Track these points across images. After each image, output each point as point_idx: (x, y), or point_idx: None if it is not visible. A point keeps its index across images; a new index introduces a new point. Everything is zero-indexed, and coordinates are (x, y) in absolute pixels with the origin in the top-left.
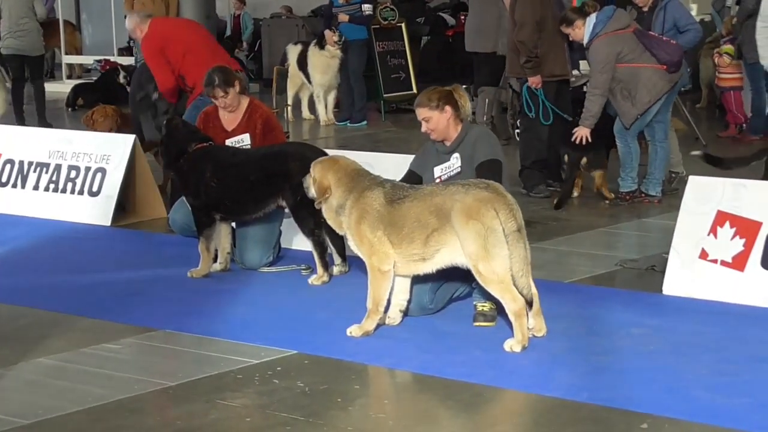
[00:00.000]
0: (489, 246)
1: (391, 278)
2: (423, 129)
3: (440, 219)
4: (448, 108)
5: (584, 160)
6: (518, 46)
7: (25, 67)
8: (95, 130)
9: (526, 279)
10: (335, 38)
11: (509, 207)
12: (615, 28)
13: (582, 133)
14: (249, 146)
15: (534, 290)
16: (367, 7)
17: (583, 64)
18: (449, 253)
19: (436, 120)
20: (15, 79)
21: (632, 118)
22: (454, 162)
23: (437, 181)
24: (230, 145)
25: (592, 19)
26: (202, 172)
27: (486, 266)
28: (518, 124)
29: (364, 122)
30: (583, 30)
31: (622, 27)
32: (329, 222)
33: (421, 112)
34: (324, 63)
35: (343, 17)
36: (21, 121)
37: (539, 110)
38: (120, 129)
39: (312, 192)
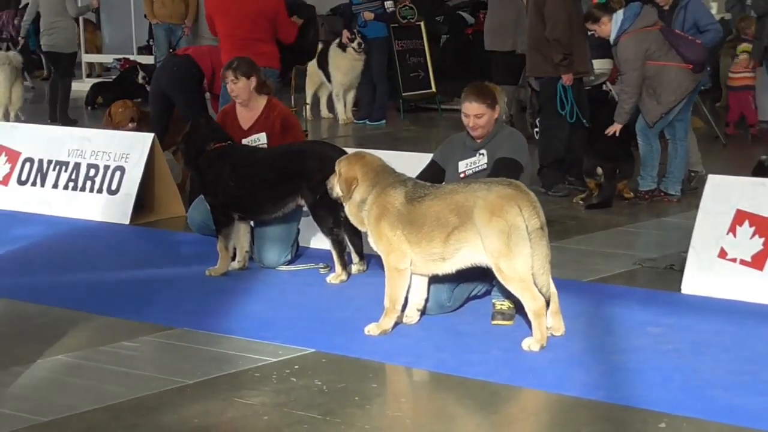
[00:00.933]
0: (512, 243)
1: (408, 276)
2: (471, 123)
3: (461, 217)
4: (497, 107)
5: (617, 170)
6: (553, 44)
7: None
8: (114, 123)
9: (546, 277)
10: (355, 45)
11: (532, 204)
12: (643, 25)
13: (615, 129)
14: (265, 145)
15: (553, 289)
16: (389, 4)
17: (597, 63)
18: (469, 252)
19: (488, 117)
20: (51, 75)
21: (656, 117)
22: (480, 158)
23: (461, 175)
24: (247, 144)
25: (619, 15)
26: (221, 171)
27: (508, 264)
28: (537, 123)
29: (383, 121)
30: (609, 26)
31: (649, 24)
32: (351, 219)
33: (476, 108)
34: (347, 64)
35: (368, 15)
36: (54, 117)
37: (571, 109)
38: (138, 125)
39: (336, 191)
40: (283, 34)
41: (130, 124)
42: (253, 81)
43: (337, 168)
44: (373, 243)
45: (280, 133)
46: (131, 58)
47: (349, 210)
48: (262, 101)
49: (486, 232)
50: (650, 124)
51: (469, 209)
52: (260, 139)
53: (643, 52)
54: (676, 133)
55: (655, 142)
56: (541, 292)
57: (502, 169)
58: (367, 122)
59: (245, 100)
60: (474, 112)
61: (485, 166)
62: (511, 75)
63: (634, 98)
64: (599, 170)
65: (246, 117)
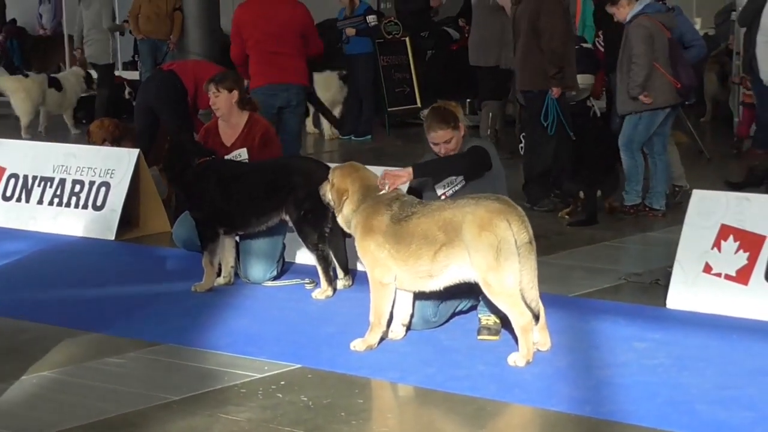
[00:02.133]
0: (501, 258)
1: (393, 291)
2: (442, 151)
3: (448, 234)
4: (461, 125)
5: (599, 192)
6: (549, 56)
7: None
8: (91, 141)
9: (535, 292)
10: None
11: (521, 219)
12: (660, 20)
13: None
14: (247, 160)
15: (540, 304)
16: (371, 18)
17: (580, 78)
18: (458, 269)
19: (456, 138)
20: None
21: (625, 111)
22: (457, 178)
23: (442, 198)
24: (228, 159)
25: (644, 1)
26: (206, 186)
27: (496, 278)
28: (522, 138)
29: (369, 136)
30: (627, 10)
31: (666, 25)
32: (343, 227)
33: (443, 135)
34: (324, 80)
35: (350, 31)
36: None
37: (552, 121)
38: (119, 141)
39: (328, 198)
40: (311, 48)
41: (104, 143)
42: (235, 95)
43: (330, 177)
44: (359, 256)
45: (258, 148)
46: (116, 73)
47: (340, 220)
48: (243, 117)
49: (475, 246)
50: (618, 111)
51: (457, 225)
52: (242, 154)
53: (652, 35)
54: (654, 147)
55: (639, 156)
56: (529, 307)
57: (470, 151)
58: (353, 137)
59: (225, 114)
60: (442, 140)
61: (464, 182)
62: (496, 90)
63: (645, 70)
64: (581, 194)
65: (228, 133)
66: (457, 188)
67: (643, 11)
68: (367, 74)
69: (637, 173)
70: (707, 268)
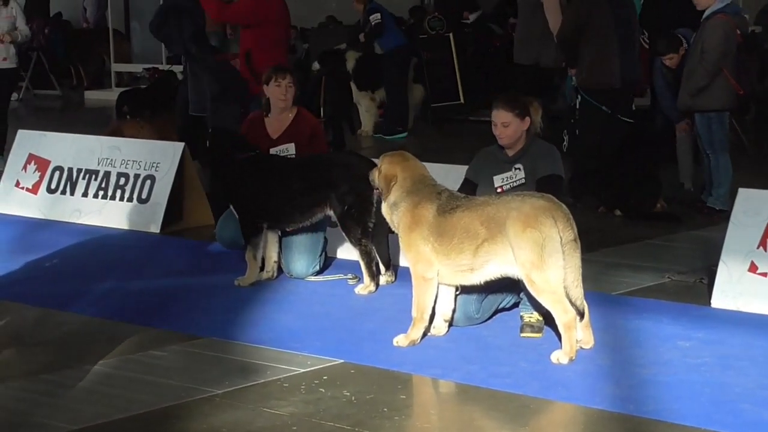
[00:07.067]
0: (545, 255)
1: (435, 286)
2: (496, 131)
3: (491, 229)
4: (528, 119)
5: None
6: (558, 45)
7: None
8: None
9: (580, 290)
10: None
11: (566, 216)
12: (737, 22)
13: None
14: (294, 155)
15: (584, 302)
16: (372, 17)
17: None
18: (499, 264)
19: (514, 127)
20: None
21: (683, 106)
22: (517, 173)
23: (498, 190)
24: (275, 153)
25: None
26: (248, 180)
27: (540, 276)
28: (563, 136)
29: (401, 135)
30: (711, 1)
31: (740, 27)
32: (386, 218)
33: (502, 116)
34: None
35: (361, 36)
36: None
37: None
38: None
39: (377, 182)
40: None
41: None
42: (296, 90)
43: (379, 164)
44: (402, 251)
45: (307, 143)
46: (160, 67)
47: (384, 209)
48: (293, 111)
49: (519, 243)
50: (678, 105)
51: (501, 221)
52: (289, 149)
53: (727, 38)
54: (715, 146)
55: (723, 157)
56: (574, 305)
57: (546, 187)
58: (383, 136)
59: (287, 107)
60: (501, 120)
61: (523, 181)
62: (535, 88)
63: (708, 78)
64: (617, 212)
65: (275, 126)
66: (515, 185)
67: (723, 10)
68: (393, 70)
69: (719, 175)
70: (753, 268)
